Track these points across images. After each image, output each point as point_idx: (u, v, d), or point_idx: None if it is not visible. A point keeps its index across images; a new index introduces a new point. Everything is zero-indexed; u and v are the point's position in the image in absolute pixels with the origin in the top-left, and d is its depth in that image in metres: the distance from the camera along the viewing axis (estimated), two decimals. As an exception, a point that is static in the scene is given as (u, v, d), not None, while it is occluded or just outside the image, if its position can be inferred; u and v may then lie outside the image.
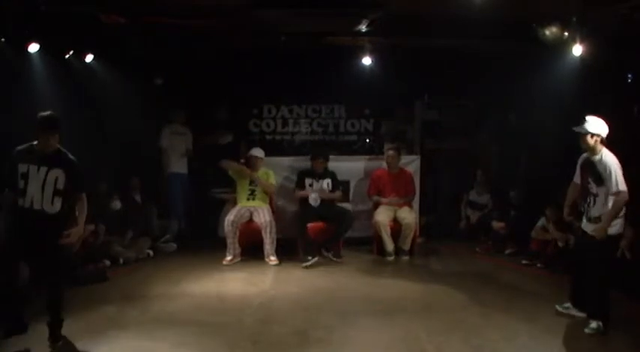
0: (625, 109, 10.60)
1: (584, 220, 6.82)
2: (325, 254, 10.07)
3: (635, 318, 7.08)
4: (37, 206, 6.02)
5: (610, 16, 8.58)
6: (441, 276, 8.93)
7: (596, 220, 6.57)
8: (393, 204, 10.27)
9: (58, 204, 6.10)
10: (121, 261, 9.60)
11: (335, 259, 9.96)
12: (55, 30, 8.99)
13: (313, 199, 10.04)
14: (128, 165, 11.33)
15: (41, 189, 6.02)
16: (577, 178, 6.97)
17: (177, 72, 11.80)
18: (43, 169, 6.05)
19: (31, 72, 9.51)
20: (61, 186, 6.08)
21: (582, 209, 6.85)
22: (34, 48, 9.16)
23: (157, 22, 9.43)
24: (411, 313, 7.21)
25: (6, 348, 5.94)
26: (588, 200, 6.70)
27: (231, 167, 10.28)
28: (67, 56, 10.14)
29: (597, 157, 6.52)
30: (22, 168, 6.04)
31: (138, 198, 10.85)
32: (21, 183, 6.01)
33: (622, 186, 6.35)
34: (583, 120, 6.58)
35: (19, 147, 6.17)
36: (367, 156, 11.65)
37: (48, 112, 6.27)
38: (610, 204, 6.41)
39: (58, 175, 6.08)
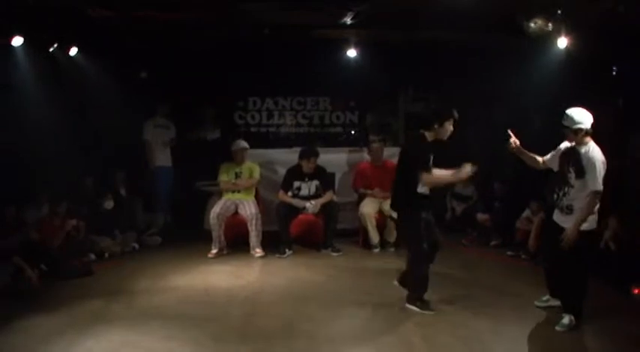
0: (610, 102, 10.65)
1: (556, 211, 6.75)
2: (324, 251, 10.07)
3: (620, 308, 7.15)
4: None
5: (594, 8, 8.62)
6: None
7: (568, 210, 6.51)
8: (379, 196, 10.27)
9: None
10: (107, 255, 9.59)
11: (335, 254, 9.96)
12: (38, 23, 8.96)
13: (311, 207, 10.07)
14: (113, 158, 11.29)
15: None
16: (551, 162, 6.85)
17: (162, 64, 11.78)
18: None
19: (14, 65, 9.49)
20: None
21: (555, 197, 6.73)
22: (17, 41, 9.13)
23: (142, 15, 9.41)
24: (397, 304, 7.19)
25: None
26: (564, 189, 6.57)
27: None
28: (50, 49, 10.09)
29: (584, 149, 6.36)
30: None
31: (123, 192, 10.82)
32: None
33: (601, 185, 6.26)
34: (565, 116, 6.46)
35: None
36: (349, 148, 11.67)
37: None
38: (585, 200, 6.33)
39: None
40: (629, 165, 10.40)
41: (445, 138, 6.91)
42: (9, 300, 7.26)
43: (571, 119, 6.40)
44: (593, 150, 6.35)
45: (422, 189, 6.81)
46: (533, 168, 7.04)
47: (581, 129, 6.37)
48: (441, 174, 6.97)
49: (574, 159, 6.46)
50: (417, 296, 6.96)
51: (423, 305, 6.94)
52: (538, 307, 7.14)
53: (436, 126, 6.83)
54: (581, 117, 6.40)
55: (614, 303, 7.30)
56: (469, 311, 6.93)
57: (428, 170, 6.76)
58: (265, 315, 6.99)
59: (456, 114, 6.92)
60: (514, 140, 6.93)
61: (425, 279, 6.97)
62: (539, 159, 6.96)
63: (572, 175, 6.47)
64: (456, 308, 7.02)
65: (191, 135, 12.24)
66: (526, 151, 6.97)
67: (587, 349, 6.14)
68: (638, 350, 6.04)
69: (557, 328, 6.39)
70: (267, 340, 6.17)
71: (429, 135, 6.86)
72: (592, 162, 6.26)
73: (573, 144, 6.53)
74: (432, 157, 6.81)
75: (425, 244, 6.83)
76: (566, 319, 6.44)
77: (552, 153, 6.86)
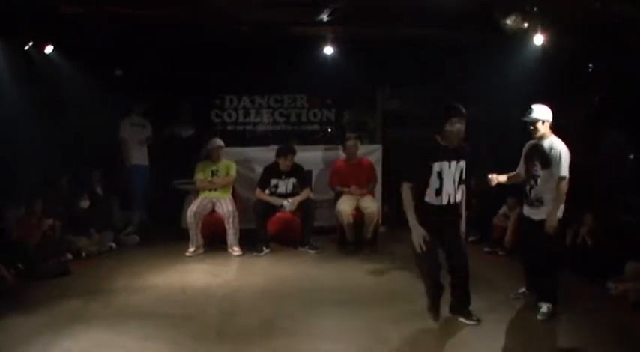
0: (586, 99, 10.72)
1: (526, 206, 6.97)
2: (301, 249, 10.10)
3: (597, 301, 7.22)
4: None
5: (570, 5, 8.68)
6: (403, 265, 8.84)
7: (538, 202, 6.74)
8: (356, 194, 10.28)
9: None
10: (84, 254, 9.53)
11: (313, 252, 10.00)
12: (13, 21, 8.91)
13: (288, 205, 10.06)
14: (89, 157, 11.25)
15: None
16: (520, 168, 7.09)
17: (138, 63, 11.72)
18: None
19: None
20: None
21: (525, 194, 6.95)
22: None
23: (117, 13, 9.38)
24: (374, 302, 7.26)
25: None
26: (531, 182, 6.82)
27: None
28: (26, 48, 10.04)
29: (547, 142, 6.67)
30: None
31: (99, 190, 10.77)
32: None
33: (567, 171, 6.51)
34: (529, 109, 6.72)
35: None
36: (324, 146, 11.70)
37: None
38: (554, 189, 6.56)
39: None
40: (603, 161, 10.50)
41: (453, 142, 6.19)
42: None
43: (537, 112, 6.70)
44: (556, 141, 6.67)
45: (430, 198, 6.22)
46: (511, 169, 7.16)
47: (547, 120, 6.67)
48: (409, 204, 6.10)
49: (538, 153, 6.75)
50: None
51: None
52: (514, 299, 7.29)
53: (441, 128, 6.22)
54: (546, 110, 6.72)
55: (592, 297, 7.39)
56: (446, 306, 6.95)
57: (409, 180, 6.19)
58: (243, 314, 6.99)
59: (456, 112, 6.23)
60: (494, 177, 7.00)
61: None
62: (516, 173, 7.17)
63: (537, 167, 6.75)
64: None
65: (165, 131, 12.20)
66: (506, 176, 7.10)
67: (566, 342, 6.18)
68: (618, 341, 6.10)
69: (539, 317, 6.55)
70: (245, 338, 6.18)
71: (440, 139, 6.26)
72: (556, 152, 6.56)
73: (534, 142, 6.84)
74: (432, 165, 6.17)
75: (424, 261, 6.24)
76: (544, 307, 6.62)
77: (520, 162, 7.12)
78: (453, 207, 6.29)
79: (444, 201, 6.20)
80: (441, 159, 6.17)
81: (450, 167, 6.19)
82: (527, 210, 6.96)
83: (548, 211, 6.61)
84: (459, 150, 6.26)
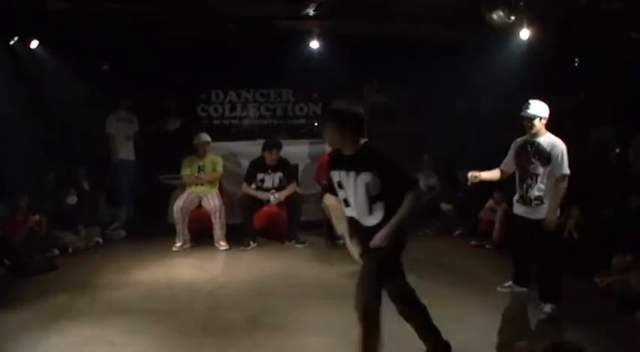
0: (572, 93, 10.75)
1: (519, 205, 6.91)
2: (288, 243, 10.14)
3: (583, 297, 7.27)
4: None
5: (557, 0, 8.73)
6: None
7: (537, 201, 6.69)
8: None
9: None
10: (70, 249, 9.51)
11: (300, 246, 10.04)
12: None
13: (274, 199, 10.08)
14: (75, 152, 11.23)
15: None
16: (509, 166, 7.01)
17: (125, 58, 11.68)
18: None
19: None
20: None
21: (520, 192, 6.89)
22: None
23: (105, 9, 9.35)
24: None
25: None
26: (528, 181, 6.73)
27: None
28: (11, 42, 10.00)
29: (544, 139, 6.61)
30: None
31: (86, 186, 10.75)
32: None
33: (568, 169, 6.50)
34: (527, 104, 6.63)
35: None
36: (310, 140, 11.72)
37: None
38: (555, 187, 6.54)
39: None
40: (590, 156, 10.55)
41: (345, 150, 5.12)
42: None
43: (535, 108, 6.60)
44: (553, 137, 6.62)
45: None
46: (498, 164, 7.14)
47: (544, 117, 6.60)
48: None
49: (535, 150, 6.66)
50: None
51: None
52: (501, 292, 7.35)
53: None
54: (544, 107, 6.63)
55: (582, 293, 7.42)
56: (434, 300, 6.90)
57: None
58: (229, 309, 7.01)
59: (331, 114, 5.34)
60: (472, 175, 6.79)
61: None
62: (497, 170, 7.08)
63: (536, 165, 6.67)
64: (421, 298, 7.03)
65: (153, 127, 12.16)
66: (485, 174, 6.95)
67: (560, 339, 6.20)
68: (612, 339, 6.13)
69: (542, 316, 6.59)
70: (231, 333, 6.21)
71: None
72: (558, 150, 6.50)
73: (525, 138, 6.79)
74: (331, 174, 5.35)
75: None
76: (547, 307, 6.62)
77: (506, 158, 7.05)
78: (366, 228, 5.23)
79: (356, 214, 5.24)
80: (338, 168, 5.19)
81: (348, 177, 5.09)
82: (521, 210, 6.89)
83: (548, 207, 6.58)
84: (358, 160, 5.02)
